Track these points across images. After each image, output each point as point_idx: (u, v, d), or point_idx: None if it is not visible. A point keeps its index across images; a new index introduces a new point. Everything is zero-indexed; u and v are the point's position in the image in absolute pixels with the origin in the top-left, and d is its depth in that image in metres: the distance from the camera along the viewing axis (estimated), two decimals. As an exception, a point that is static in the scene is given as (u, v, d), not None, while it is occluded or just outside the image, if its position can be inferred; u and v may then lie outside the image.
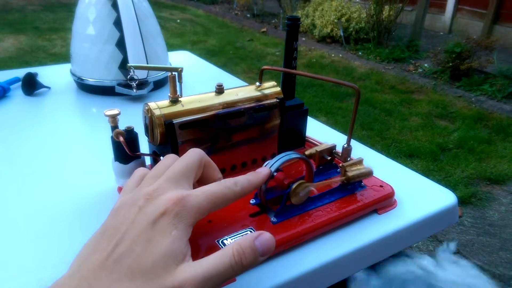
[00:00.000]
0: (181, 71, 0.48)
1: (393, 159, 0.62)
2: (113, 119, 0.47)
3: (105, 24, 0.78)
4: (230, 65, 4.02)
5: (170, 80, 0.47)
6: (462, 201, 1.94)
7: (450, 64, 3.44)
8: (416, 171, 0.58)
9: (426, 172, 2.15)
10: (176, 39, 4.85)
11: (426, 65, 3.86)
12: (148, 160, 0.52)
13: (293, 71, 0.56)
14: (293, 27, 0.54)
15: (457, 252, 1.61)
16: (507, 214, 1.86)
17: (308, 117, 0.62)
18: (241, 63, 4.12)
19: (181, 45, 4.61)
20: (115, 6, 0.77)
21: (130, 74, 0.64)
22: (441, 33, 5.25)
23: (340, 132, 0.71)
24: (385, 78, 3.68)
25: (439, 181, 2.09)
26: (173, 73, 0.48)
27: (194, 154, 0.35)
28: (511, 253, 1.61)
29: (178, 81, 0.49)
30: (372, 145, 2.48)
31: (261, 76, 0.55)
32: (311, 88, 3.42)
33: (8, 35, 4.68)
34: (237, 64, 4.08)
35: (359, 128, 2.69)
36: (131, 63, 0.78)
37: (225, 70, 1.05)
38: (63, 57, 3.96)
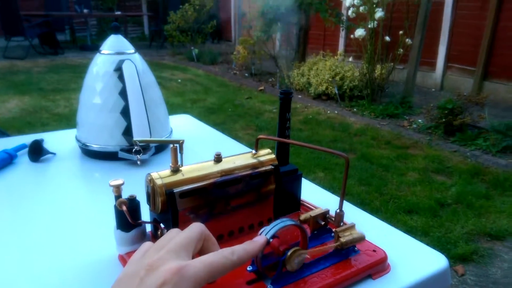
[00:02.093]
0: (182, 143, 0.52)
1: (384, 221, 0.64)
2: (117, 188, 0.50)
3: (111, 94, 0.83)
4: (229, 122, 4.11)
5: (171, 151, 0.51)
6: (464, 258, 1.91)
7: (443, 119, 3.53)
8: (408, 234, 0.60)
9: (426, 229, 2.14)
10: (176, 98, 5.00)
11: (420, 120, 3.96)
12: (149, 227, 0.54)
13: (287, 140, 0.59)
14: (285, 100, 0.58)
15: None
16: (510, 271, 1.83)
17: (303, 179, 0.65)
18: (239, 120, 4.22)
19: (182, 104, 4.74)
20: (121, 77, 0.82)
21: (135, 148, 0.67)
22: (433, 90, 5.43)
23: (335, 194, 0.74)
24: (380, 133, 3.76)
25: (439, 238, 2.08)
26: (175, 144, 0.51)
27: (195, 228, 0.37)
28: (518, 313, 1.57)
29: (179, 152, 0.52)
30: (370, 201, 2.48)
31: (257, 145, 0.59)
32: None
33: (12, 96, 4.82)
34: (235, 121, 4.18)
35: (357, 184, 2.71)
36: (134, 129, 0.82)
37: (224, 127, 1.09)
38: (65, 117, 4.05)
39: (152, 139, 0.83)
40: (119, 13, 9.07)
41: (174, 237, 0.36)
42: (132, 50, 0.88)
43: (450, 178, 2.82)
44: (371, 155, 3.21)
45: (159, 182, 0.49)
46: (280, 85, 5.63)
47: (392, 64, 4.53)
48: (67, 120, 3.90)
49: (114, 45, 0.87)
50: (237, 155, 0.57)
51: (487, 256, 1.94)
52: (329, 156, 3.19)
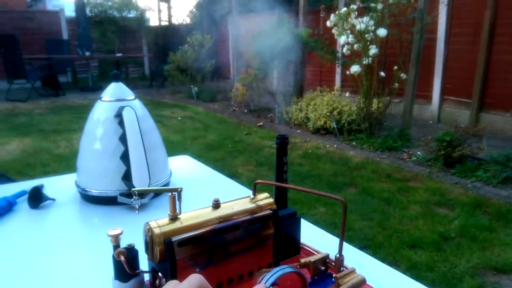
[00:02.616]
0: (181, 191, 0.52)
1: (386, 262, 0.63)
2: (115, 238, 0.50)
3: (112, 140, 0.84)
4: (228, 158, 4.13)
5: (170, 199, 0.51)
6: (471, 294, 1.87)
7: (442, 152, 3.55)
8: (412, 270, 0.59)
9: (431, 264, 2.10)
10: (176, 136, 5.04)
11: (419, 153, 3.97)
12: (147, 276, 0.54)
13: (284, 185, 0.60)
14: (282, 145, 0.59)
15: None
16: (519, 306, 1.78)
17: (302, 220, 0.65)
18: (239, 156, 4.24)
19: (182, 141, 4.78)
20: (121, 123, 0.84)
21: (134, 198, 0.68)
22: (430, 122, 5.48)
23: (336, 231, 0.74)
24: (380, 167, 3.77)
25: (444, 273, 2.04)
26: (173, 193, 0.52)
27: (194, 281, 0.37)
28: None
29: (178, 200, 0.52)
30: (373, 236, 2.45)
31: (255, 189, 0.59)
32: (308, 179, 3.48)
33: (13, 138, 4.86)
34: (235, 157, 4.20)
35: (359, 219, 2.69)
36: (134, 174, 0.83)
37: (224, 163, 1.10)
38: (65, 157, 4.07)
39: (150, 188, 0.83)
40: (120, 54, 9.29)
41: (172, 290, 0.36)
42: (132, 97, 0.90)
43: (452, 210, 2.80)
44: (372, 189, 3.20)
45: (157, 231, 0.49)
46: (278, 121, 5.69)
47: (388, 98, 4.60)
48: (67, 161, 3.91)
49: (115, 92, 0.89)
50: (236, 200, 0.57)
51: (494, 291, 1.89)
52: (330, 190, 3.18)
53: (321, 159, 4.08)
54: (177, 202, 0.52)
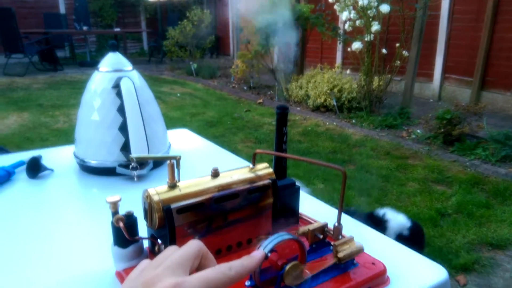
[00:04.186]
0: (179, 159, 0.52)
1: (383, 233, 0.64)
2: (114, 205, 0.50)
3: (110, 111, 0.83)
4: (228, 135, 4.12)
5: (168, 167, 0.51)
6: (466, 268, 1.90)
7: (442, 130, 3.54)
8: (407, 246, 0.60)
9: (427, 239, 2.13)
10: (176, 112, 5.01)
11: (418, 131, 3.96)
12: (146, 243, 0.54)
13: (284, 154, 0.60)
14: (282, 115, 0.59)
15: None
16: (513, 281, 1.81)
17: (301, 192, 0.65)
18: (239, 133, 4.23)
19: (181, 118, 4.75)
20: (119, 94, 0.83)
21: (132, 165, 0.68)
22: (431, 100, 5.45)
23: (335, 206, 0.74)
24: (379, 144, 3.77)
25: (440, 248, 2.07)
26: (172, 160, 0.51)
27: (193, 245, 0.37)
28: (522, 324, 1.55)
29: (176, 168, 0.52)
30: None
31: (254, 159, 0.59)
32: (307, 156, 3.48)
33: (12, 112, 4.83)
34: (235, 134, 4.19)
35: (357, 195, 2.70)
36: (132, 145, 0.82)
37: (223, 140, 1.09)
38: (64, 132, 4.06)
39: (149, 155, 0.83)
40: (118, 29, 9.15)
41: (171, 254, 0.36)
42: (130, 67, 0.89)
43: (450, 188, 2.81)
44: (370, 166, 3.21)
45: (156, 198, 0.49)
46: (278, 98, 5.66)
47: (389, 75, 4.55)
48: (66, 136, 3.90)
49: (112, 62, 0.87)
50: (235, 170, 0.57)
51: (489, 265, 1.92)
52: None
53: (320, 136, 4.07)
54: (175, 170, 0.52)
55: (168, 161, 0.51)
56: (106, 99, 0.83)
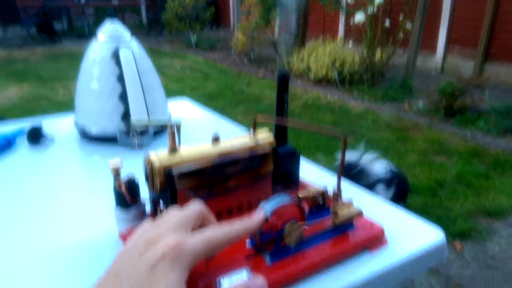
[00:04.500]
0: (180, 125, 0.52)
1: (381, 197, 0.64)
2: (116, 168, 0.50)
3: (109, 80, 0.83)
4: (228, 108, 4.11)
5: (169, 135, 0.51)
6: (462, 235, 1.94)
7: (443, 103, 3.52)
8: (405, 209, 0.61)
9: (425, 208, 2.16)
10: (176, 85, 4.98)
11: (420, 104, 3.95)
12: (148, 207, 0.55)
13: (284, 120, 0.60)
14: (283, 81, 0.58)
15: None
16: (508, 246, 1.85)
17: (302, 159, 0.66)
18: (239, 105, 4.22)
19: (181, 90, 4.73)
20: (118, 63, 0.82)
21: (132, 132, 0.68)
22: (433, 73, 5.40)
23: (335, 174, 0.74)
24: (380, 117, 3.76)
25: (438, 216, 2.10)
26: (173, 127, 0.51)
27: (194, 206, 0.38)
28: (516, 290, 1.59)
29: (177, 133, 0.52)
30: (370, 184, 2.49)
31: (255, 126, 0.59)
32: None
33: (11, 84, 4.81)
34: (235, 106, 4.18)
35: (357, 167, 2.72)
36: (132, 114, 0.82)
37: (224, 113, 1.09)
38: (65, 105, 4.05)
39: (149, 121, 0.83)
40: (116, 2, 8.98)
41: (173, 215, 0.37)
42: (129, 36, 0.88)
43: (450, 159, 2.83)
44: (371, 138, 3.21)
45: (157, 162, 0.50)
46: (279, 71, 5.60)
47: (392, 48, 4.50)
48: (67, 108, 3.88)
49: (111, 31, 0.86)
50: (235, 137, 0.57)
51: (485, 232, 1.96)
52: (330, 138, 3.19)
53: (321, 109, 4.06)
54: (176, 136, 0.52)
55: (169, 129, 0.51)
56: (105, 68, 0.83)
